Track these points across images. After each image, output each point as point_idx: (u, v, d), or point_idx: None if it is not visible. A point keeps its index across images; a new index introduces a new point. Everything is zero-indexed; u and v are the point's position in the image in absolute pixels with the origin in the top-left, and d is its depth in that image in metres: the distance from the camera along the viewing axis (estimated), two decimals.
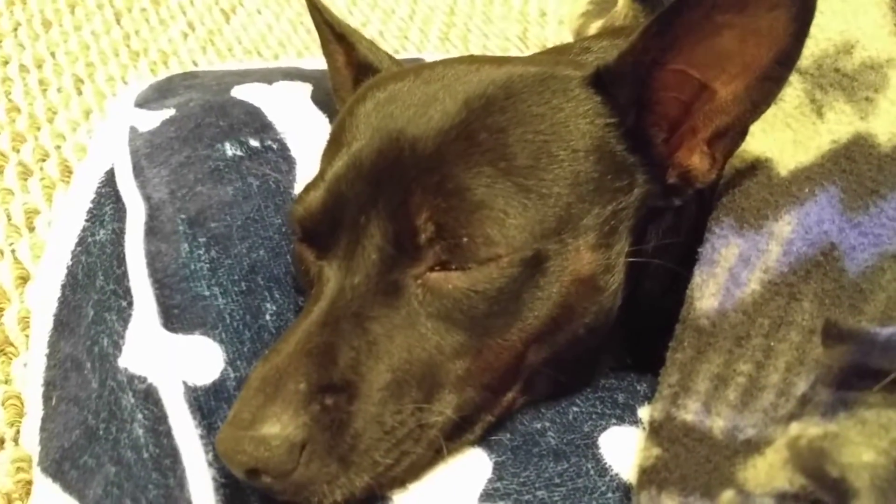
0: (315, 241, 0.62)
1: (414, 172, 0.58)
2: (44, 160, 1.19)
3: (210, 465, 0.56)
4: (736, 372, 0.55)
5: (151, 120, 0.83)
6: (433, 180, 0.57)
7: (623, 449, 0.61)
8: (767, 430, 0.52)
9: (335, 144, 0.65)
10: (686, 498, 0.50)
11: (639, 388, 0.69)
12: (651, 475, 0.53)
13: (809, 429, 0.46)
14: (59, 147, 1.22)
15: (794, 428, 0.48)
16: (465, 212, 0.56)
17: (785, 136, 0.67)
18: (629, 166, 0.63)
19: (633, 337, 0.70)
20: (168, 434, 0.58)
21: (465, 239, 0.56)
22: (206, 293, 0.66)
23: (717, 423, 0.54)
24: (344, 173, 0.61)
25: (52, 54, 1.46)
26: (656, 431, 0.56)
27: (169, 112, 0.84)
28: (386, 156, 0.59)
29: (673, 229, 0.67)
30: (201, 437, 0.58)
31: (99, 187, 0.77)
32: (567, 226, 0.59)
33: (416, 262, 0.57)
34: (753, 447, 0.51)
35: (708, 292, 0.59)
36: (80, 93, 1.38)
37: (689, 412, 0.55)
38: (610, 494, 0.58)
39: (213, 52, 1.57)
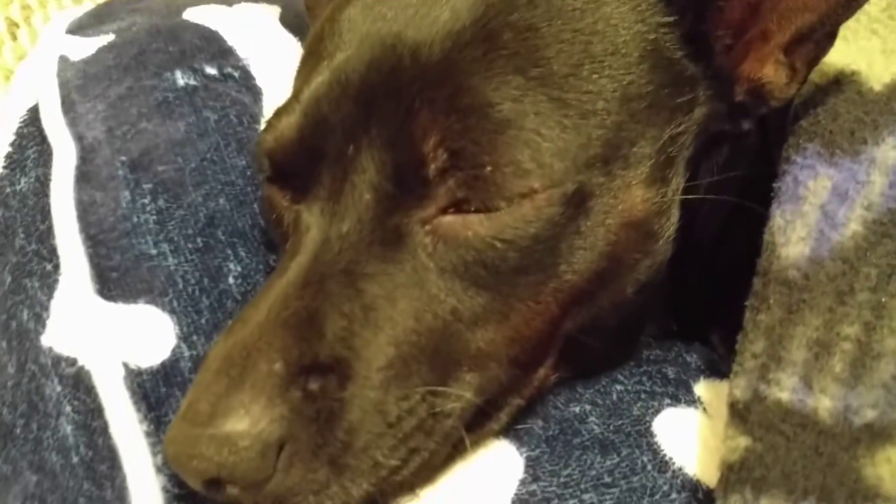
0: (290, 179, 0.54)
1: (417, 86, 0.49)
2: None
3: (159, 470, 0.49)
4: (840, 336, 0.46)
5: (86, 47, 0.73)
6: (443, 94, 0.48)
7: (684, 436, 0.54)
8: (895, 411, 0.40)
9: (313, 58, 0.56)
10: None
11: (689, 359, 0.62)
12: (741, 473, 0.43)
13: None
14: None
15: None
16: (487, 133, 0.47)
17: (871, 45, 0.58)
18: (689, 78, 0.54)
19: (679, 296, 0.62)
20: (104, 431, 0.50)
21: (488, 168, 0.47)
22: (153, 251, 0.57)
23: (824, 403, 0.43)
24: (326, 92, 0.52)
25: None
26: (742, 416, 0.45)
27: (107, 38, 0.73)
28: (380, 67, 0.51)
29: (731, 161, 0.59)
30: (147, 434, 0.50)
31: (20, 127, 0.68)
32: (616, 153, 0.50)
33: (424, 201, 0.49)
34: (881, 434, 0.41)
35: (795, 236, 0.49)
36: (14, 38, 1.26)
37: (784, 389, 0.44)
38: (675, 495, 0.50)
39: None
